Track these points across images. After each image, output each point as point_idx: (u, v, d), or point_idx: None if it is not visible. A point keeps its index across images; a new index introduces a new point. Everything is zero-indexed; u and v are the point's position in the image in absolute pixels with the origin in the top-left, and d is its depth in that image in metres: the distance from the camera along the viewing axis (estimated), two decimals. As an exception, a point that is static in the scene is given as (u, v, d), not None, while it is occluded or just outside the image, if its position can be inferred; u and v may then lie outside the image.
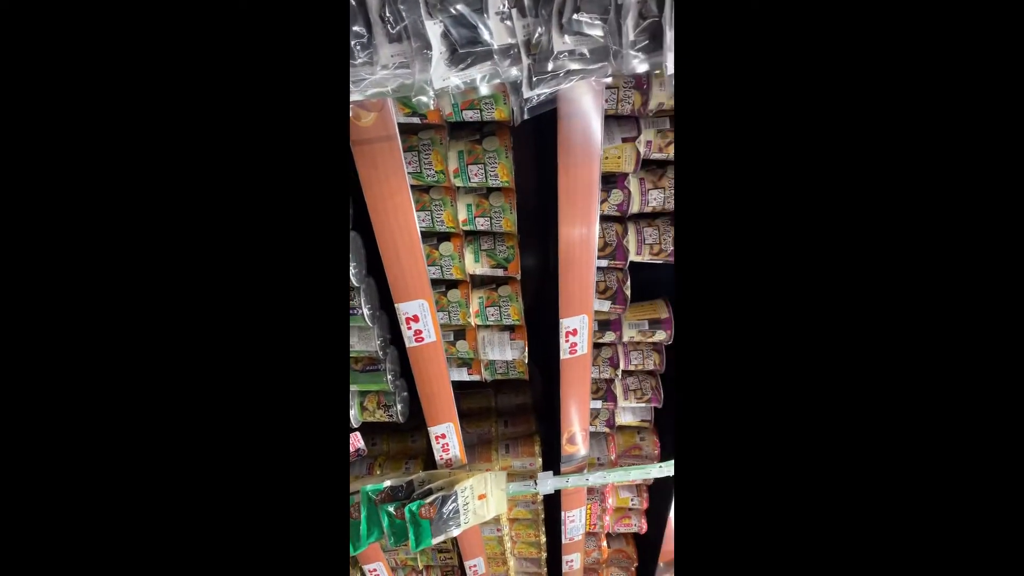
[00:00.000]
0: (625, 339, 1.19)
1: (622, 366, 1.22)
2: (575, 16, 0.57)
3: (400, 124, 0.80)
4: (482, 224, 0.98)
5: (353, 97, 0.61)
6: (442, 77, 0.60)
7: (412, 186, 0.82)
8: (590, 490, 1.42)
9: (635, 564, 1.70)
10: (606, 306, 1.10)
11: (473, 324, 1.10)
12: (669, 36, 0.58)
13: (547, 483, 1.27)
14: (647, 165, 0.99)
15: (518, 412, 1.42)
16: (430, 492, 1.15)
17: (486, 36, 0.59)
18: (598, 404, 1.28)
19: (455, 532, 1.20)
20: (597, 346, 1.21)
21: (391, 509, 1.14)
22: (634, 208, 1.00)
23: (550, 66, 0.60)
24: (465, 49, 0.59)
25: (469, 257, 1.01)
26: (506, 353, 1.14)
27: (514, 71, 0.61)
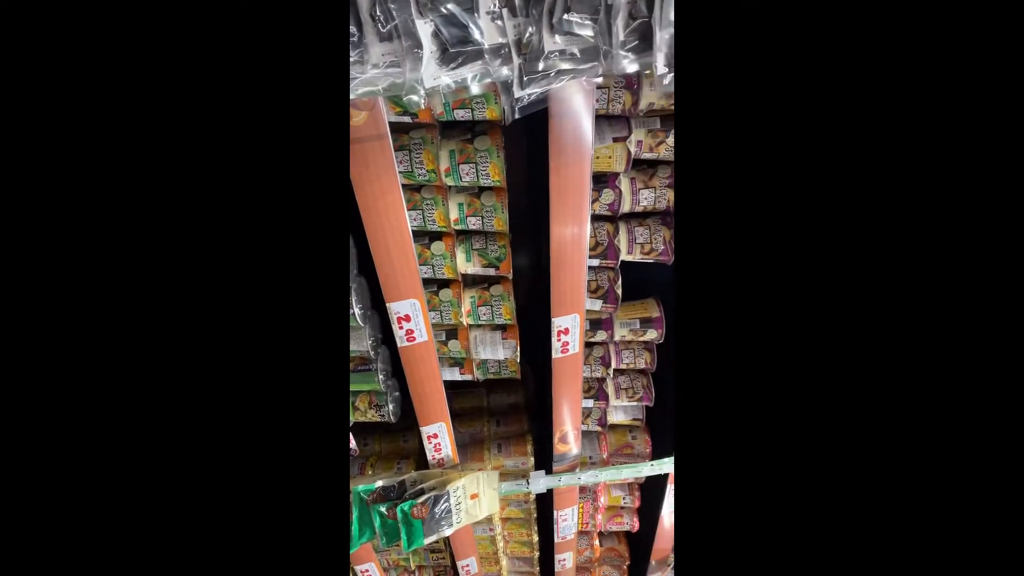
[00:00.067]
0: (616, 338, 1.19)
1: (614, 365, 1.23)
2: (565, 16, 0.58)
3: (391, 123, 0.80)
4: (474, 223, 0.98)
5: (344, 96, 0.61)
6: (433, 76, 0.61)
7: (403, 185, 0.82)
8: (582, 489, 1.43)
9: (627, 562, 1.71)
10: (597, 305, 1.10)
11: (465, 323, 1.10)
12: (659, 37, 0.58)
13: (539, 482, 1.27)
14: (638, 165, 1.00)
15: (510, 411, 1.43)
16: (422, 492, 1.15)
17: (477, 35, 0.59)
18: (590, 403, 1.28)
19: (447, 532, 1.20)
20: (589, 345, 1.22)
21: (383, 509, 1.14)
22: (625, 207, 1.01)
23: (541, 66, 0.61)
24: (456, 48, 0.59)
25: (461, 256, 1.01)
26: (498, 352, 1.14)
27: (505, 71, 0.61)
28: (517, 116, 0.64)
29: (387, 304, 0.93)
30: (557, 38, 0.59)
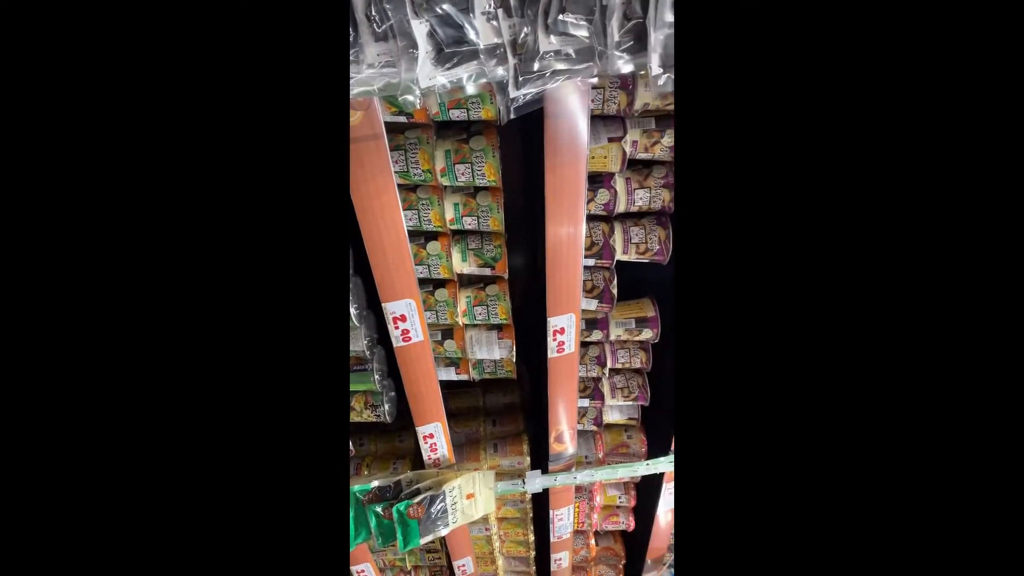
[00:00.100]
0: (612, 337, 1.19)
1: (609, 364, 1.23)
2: (560, 17, 0.58)
3: (387, 123, 0.80)
4: (469, 223, 0.98)
5: (339, 96, 0.61)
6: (428, 76, 0.61)
7: (399, 185, 0.82)
8: (578, 488, 1.43)
9: (623, 561, 1.71)
10: (593, 305, 1.10)
11: (461, 323, 1.10)
12: (653, 37, 0.58)
13: (535, 482, 1.28)
14: (633, 165, 1.00)
15: (506, 411, 1.43)
16: (418, 492, 1.15)
17: (472, 36, 0.59)
18: (585, 402, 1.28)
19: (443, 532, 1.20)
20: (584, 344, 1.22)
21: (379, 509, 1.14)
22: (620, 207, 1.01)
23: (536, 66, 0.61)
24: (451, 48, 0.59)
25: (456, 256, 1.02)
26: (494, 352, 1.14)
27: (500, 71, 0.62)
28: (513, 116, 0.64)
29: (383, 304, 0.93)
30: (552, 38, 0.60)
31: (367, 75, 0.60)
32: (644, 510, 1.51)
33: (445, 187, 0.96)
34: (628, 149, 0.94)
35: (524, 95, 0.63)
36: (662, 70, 0.62)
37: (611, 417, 1.37)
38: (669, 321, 1.17)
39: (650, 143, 0.95)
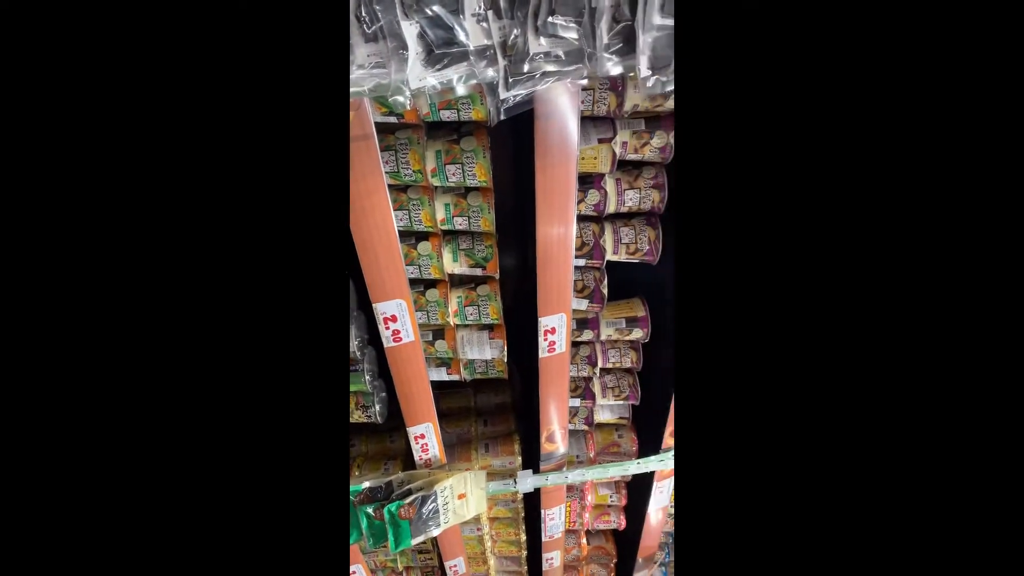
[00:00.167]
0: (603, 337, 1.20)
1: (600, 364, 1.24)
2: (550, 19, 0.58)
3: (377, 123, 0.80)
4: (460, 224, 0.98)
5: (329, 96, 0.61)
6: (418, 77, 0.61)
7: (389, 185, 0.82)
8: (569, 488, 1.44)
9: (614, 560, 1.72)
10: (584, 305, 1.11)
11: (452, 323, 1.10)
12: (642, 40, 0.59)
13: (527, 481, 1.28)
14: (623, 166, 1.01)
15: (497, 411, 1.43)
16: (409, 492, 1.15)
17: (462, 37, 0.59)
18: (577, 402, 1.29)
19: (435, 532, 1.20)
20: (575, 344, 1.22)
21: (370, 510, 1.13)
22: (610, 208, 1.02)
23: (526, 67, 0.61)
24: (441, 50, 0.60)
25: (447, 256, 1.02)
26: (485, 352, 1.14)
27: (490, 72, 0.62)
28: (503, 117, 0.64)
29: (373, 304, 0.93)
30: (542, 40, 0.60)
31: (357, 76, 0.60)
32: (635, 509, 1.52)
33: (436, 187, 0.96)
34: (618, 150, 0.95)
35: (514, 96, 0.63)
36: (651, 72, 0.62)
37: (602, 416, 1.38)
38: (659, 321, 1.18)
39: (640, 144, 0.96)
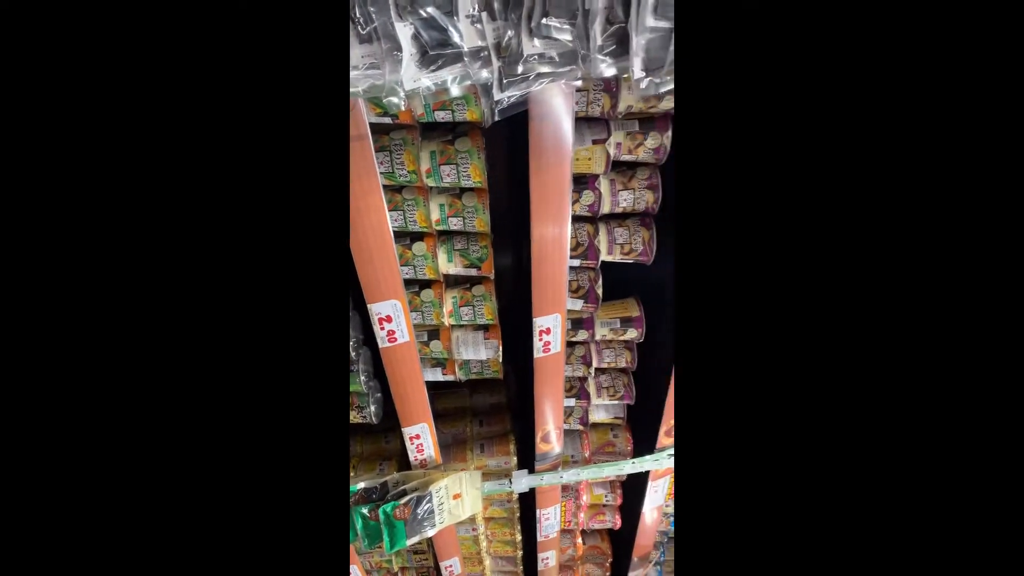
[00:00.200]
0: (598, 337, 1.20)
1: (595, 364, 1.24)
2: (544, 20, 0.58)
3: (372, 124, 0.80)
4: (455, 224, 0.98)
5: (323, 97, 0.61)
6: (413, 78, 0.61)
7: (384, 186, 0.82)
8: (565, 487, 1.44)
9: (609, 559, 1.73)
10: (578, 305, 1.11)
11: (447, 324, 1.10)
12: (635, 41, 0.59)
13: (522, 481, 1.28)
14: (617, 167, 1.01)
15: (493, 411, 1.43)
16: (404, 493, 1.15)
17: (456, 39, 0.59)
18: (572, 402, 1.29)
19: (430, 533, 1.20)
20: (570, 344, 1.23)
21: (365, 511, 1.13)
22: (605, 209, 1.02)
23: (520, 69, 0.61)
24: (435, 51, 0.60)
25: (442, 257, 1.02)
26: (480, 352, 1.14)
27: (484, 73, 0.62)
28: (497, 118, 0.65)
29: (368, 305, 0.93)
30: (536, 42, 0.60)
31: (352, 77, 0.61)
32: (630, 508, 1.52)
33: (430, 188, 0.96)
34: (612, 151, 0.95)
35: (508, 97, 0.63)
36: (644, 74, 0.63)
37: (597, 416, 1.38)
38: (653, 321, 1.18)
39: (634, 145, 0.96)
